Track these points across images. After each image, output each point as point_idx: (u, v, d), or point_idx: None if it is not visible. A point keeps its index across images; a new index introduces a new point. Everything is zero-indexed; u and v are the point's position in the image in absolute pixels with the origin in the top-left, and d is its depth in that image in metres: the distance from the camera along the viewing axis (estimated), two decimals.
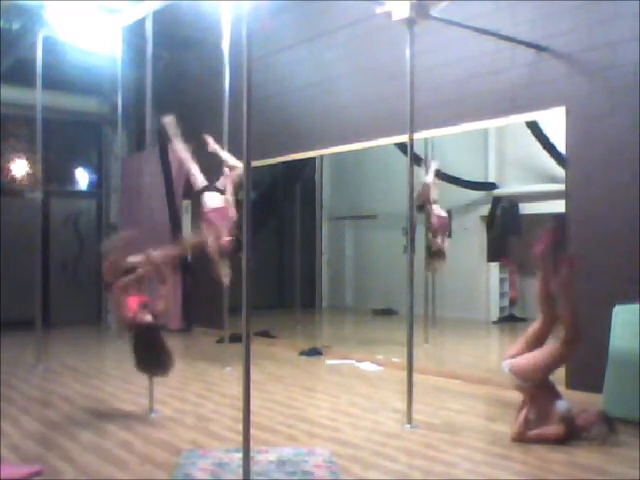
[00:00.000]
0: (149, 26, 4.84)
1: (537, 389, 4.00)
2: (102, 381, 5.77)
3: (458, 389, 5.37)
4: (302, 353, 7.11)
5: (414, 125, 4.45)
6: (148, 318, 4.29)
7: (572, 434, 3.87)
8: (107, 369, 6.53)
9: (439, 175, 7.36)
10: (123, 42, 6.43)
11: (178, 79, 9.24)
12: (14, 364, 6.46)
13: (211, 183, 6.14)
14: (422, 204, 7.22)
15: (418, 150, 6.42)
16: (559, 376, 5.08)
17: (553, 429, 3.87)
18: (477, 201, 7.83)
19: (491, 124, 5.91)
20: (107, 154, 10.31)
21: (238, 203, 5.79)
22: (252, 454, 3.16)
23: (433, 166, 7.28)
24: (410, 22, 4.37)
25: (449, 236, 7.55)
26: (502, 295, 7.91)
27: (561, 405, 3.94)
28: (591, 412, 3.94)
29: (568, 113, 5.15)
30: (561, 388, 5.03)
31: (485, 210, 7.75)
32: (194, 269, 8.68)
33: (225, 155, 6.29)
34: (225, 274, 6.01)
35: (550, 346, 4.02)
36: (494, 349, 7.54)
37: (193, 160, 6.19)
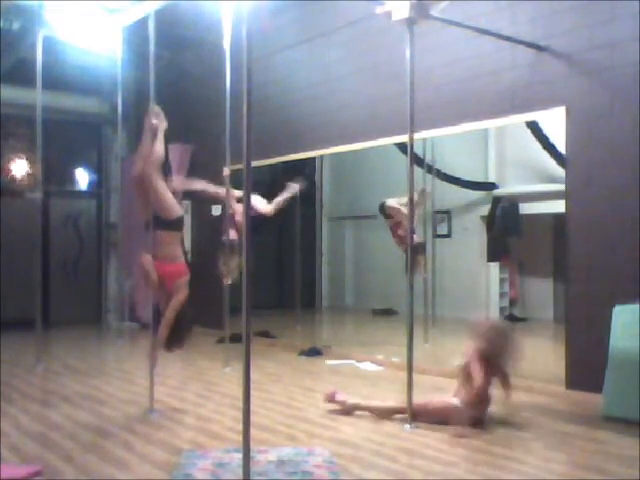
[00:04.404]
0: (152, 26, 4.79)
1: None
2: (102, 381, 5.77)
3: None
4: (302, 353, 7.11)
5: (414, 125, 4.45)
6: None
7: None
8: (107, 369, 6.52)
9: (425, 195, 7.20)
10: (123, 42, 6.43)
11: (178, 79, 9.24)
12: (14, 364, 6.46)
13: None
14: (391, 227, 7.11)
15: (418, 150, 6.43)
16: (559, 376, 5.09)
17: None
18: (477, 201, 7.83)
19: (491, 124, 5.90)
20: (107, 154, 10.31)
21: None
22: (252, 454, 3.16)
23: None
24: (410, 22, 4.37)
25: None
26: (502, 295, 7.92)
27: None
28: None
29: (568, 113, 5.15)
30: (561, 388, 5.06)
31: (485, 210, 7.75)
32: (194, 269, 8.67)
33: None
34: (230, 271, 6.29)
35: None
36: None
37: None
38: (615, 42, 4.88)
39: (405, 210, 6.89)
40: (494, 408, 4.34)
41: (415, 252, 6.99)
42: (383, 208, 7.04)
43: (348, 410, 4.51)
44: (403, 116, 4.49)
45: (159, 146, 4.79)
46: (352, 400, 4.57)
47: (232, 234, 6.51)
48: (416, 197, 6.81)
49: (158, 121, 4.81)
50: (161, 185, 4.74)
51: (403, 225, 6.91)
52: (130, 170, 5.16)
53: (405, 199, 6.84)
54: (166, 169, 4.93)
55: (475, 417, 4.11)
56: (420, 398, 4.34)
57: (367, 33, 6.77)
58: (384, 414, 4.41)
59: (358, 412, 4.52)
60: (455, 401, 4.22)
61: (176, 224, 4.84)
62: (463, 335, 4.64)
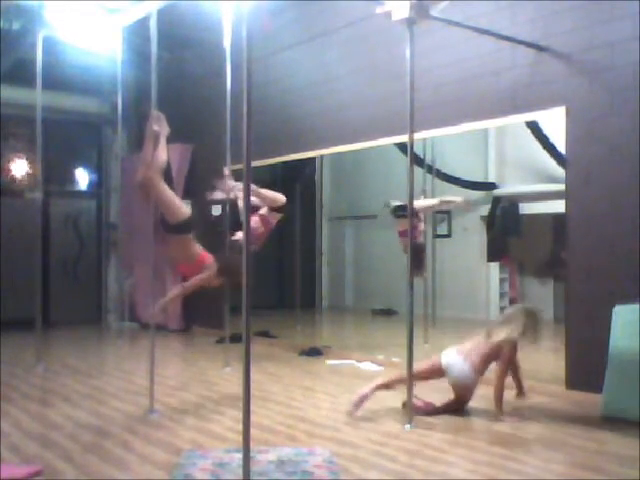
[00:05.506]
0: (153, 26, 4.77)
1: None
2: (102, 381, 5.77)
3: None
4: (302, 353, 7.10)
5: (414, 125, 4.45)
6: None
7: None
8: (107, 369, 6.52)
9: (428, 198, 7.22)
10: (124, 42, 6.43)
11: (179, 79, 9.24)
12: (14, 364, 6.46)
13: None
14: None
15: (418, 150, 6.42)
16: (559, 376, 5.09)
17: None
18: (477, 201, 7.82)
19: (491, 124, 5.90)
20: (107, 154, 10.31)
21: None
22: (252, 454, 3.16)
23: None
24: (410, 22, 4.37)
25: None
26: (502, 295, 7.91)
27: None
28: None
29: (568, 113, 5.15)
30: (561, 388, 5.06)
31: (485, 210, 7.75)
32: None
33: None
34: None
35: None
36: None
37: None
38: (615, 42, 4.88)
39: (434, 205, 7.01)
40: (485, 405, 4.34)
41: (419, 252, 7.00)
42: (401, 209, 6.89)
43: (389, 387, 4.64)
44: (403, 116, 4.48)
45: (161, 152, 4.76)
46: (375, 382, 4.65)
47: (238, 235, 6.42)
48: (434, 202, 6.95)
49: (159, 127, 4.78)
50: (166, 189, 4.75)
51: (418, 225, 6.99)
52: (130, 170, 5.17)
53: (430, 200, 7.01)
54: (168, 174, 4.94)
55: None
56: (419, 397, 4.37)
57: (367, 33, 6.76)
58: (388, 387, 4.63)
59: (367, 414, 4.48)
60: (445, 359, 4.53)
61: (184, 227, 4.84)
62: (463, 335, 4.64)
